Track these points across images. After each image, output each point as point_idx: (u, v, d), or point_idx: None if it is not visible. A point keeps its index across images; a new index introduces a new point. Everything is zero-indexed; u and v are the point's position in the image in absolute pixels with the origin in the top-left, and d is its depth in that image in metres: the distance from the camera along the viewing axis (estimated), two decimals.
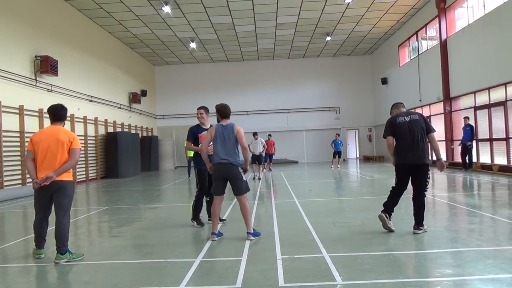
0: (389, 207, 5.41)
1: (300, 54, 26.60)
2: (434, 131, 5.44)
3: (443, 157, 17.55)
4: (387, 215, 5.36)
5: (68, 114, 15.62)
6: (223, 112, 5.51)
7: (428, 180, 5.33)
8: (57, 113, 4.80)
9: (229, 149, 5.30)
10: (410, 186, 5.48)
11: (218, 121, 5.57)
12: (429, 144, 5.43)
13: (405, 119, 5.35)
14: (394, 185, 5.50)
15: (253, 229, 5.43)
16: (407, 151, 5.27)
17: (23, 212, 8.85)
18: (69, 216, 4.77)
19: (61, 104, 4.87)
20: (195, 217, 6.38)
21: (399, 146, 5.37)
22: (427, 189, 5.38)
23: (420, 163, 5.27)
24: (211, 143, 5.69)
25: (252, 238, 5.29)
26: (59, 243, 4.54)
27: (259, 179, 14.28)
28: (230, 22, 19.13)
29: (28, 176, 12.56)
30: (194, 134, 6.37)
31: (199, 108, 6.52)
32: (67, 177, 4.67)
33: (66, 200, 4.66)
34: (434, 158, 5.62)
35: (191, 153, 14.22)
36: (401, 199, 5.55)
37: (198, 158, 6.36)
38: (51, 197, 4.63)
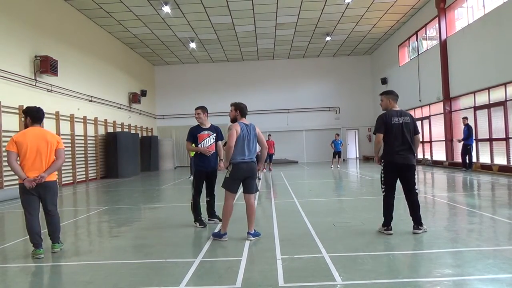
0: (389, 216, 5.35)
1: (300, 54, 26.60)
2: (419, 132, 5.57)
3: (443, 157, 17.61)
4: (390, 228, 5.32)
5: (67, 114, 15.75)
6: (244, 111, 5.46)
7: (415, 177, 5.44)
8: (37, 115, 5.00)
9: (253, 148, 5.35)
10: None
11: (235, 120, 5.47)
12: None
13: (399, 121, 5.35)
14: (383, 192, 5.44)
15: (254, 230, 5.40)
16: (399, 152, 5.29)
17: (23, 212, 8.84)
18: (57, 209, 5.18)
19: (38, 107, 5.14)
20: (196, 218, 6.39)
21: (391, 147, 5.36)
22: (417, 188, 5.45)
23: (410, 163, 5.33)
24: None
25: (252, 238, 5.28)
26: (56, 234, 4.98)
27: (259, 179, 14.27)
28: (230, 22, 19.13)
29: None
30: (193, 134, 6.40)
31: (196, 108, 6.56)
32: (54, 177, 5.03)
33: (55, 198, 5.05)
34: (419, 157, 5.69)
35: (193, 153, 14.20)
36: (399, 199, 5.56)
37: (197, 159, 6.44)
38: (39, 196, 4.87)
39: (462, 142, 14.45)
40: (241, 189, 5.48)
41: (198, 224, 6.34)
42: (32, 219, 4.79)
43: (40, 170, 4.76)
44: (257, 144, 5.51)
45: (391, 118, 5.38)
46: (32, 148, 4.75)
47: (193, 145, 6.41)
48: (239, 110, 5.45)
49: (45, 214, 4.97)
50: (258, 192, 10.56)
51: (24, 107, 12.41)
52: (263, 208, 8.10)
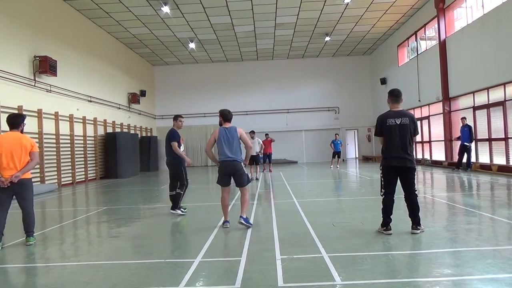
0: (388, 218, 5.33)
1: (299, 54, 26.61)
2: (417, 133, 5.51)
3: (442, 157, 17.62)
4: (390, 228, 5.31)
5: (67, 115, 15.74)
6: (226, 116, 6.17)
7: (414, 179, 5.40)
8: (13, 121, 5.53)
9: (234, 148, 6.00)
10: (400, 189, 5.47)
11: (221, 124, 6.21)
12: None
13: (395, 122, 5.29)
14: (382, 195, 5.42)
15: (247, 217, 6.05)
16: (395, 154, 5.26)
17: None
18: (33, 206, 5.59)
19: (16, 113, 5.86)
20: (179, 206, 7.52)
21: (387, 148, 5.34)
22: (417, 189, 5.41)
23: (407, 166, 5.27)
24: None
25: (243, 222, 5.90)
26: (30, 229, 5.45)
27: (257, 179, 14.25)
28: (229, 22, 19.13)
29: None
30: (178, 138, 7.60)
31: (183, 116, 8.00)
32: (28, 175, 5.50)
33: (30, 194, 5.52)
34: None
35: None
36: (399, 199, 5.56)
37: (181, 160, 7.65)
38: (13, 194, 5.39)
39: (459, 142, 14.46)
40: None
41: (180, 211, 7.50)
42: (0, 214, 5.30)
43: (14, 170, 5.29)
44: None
45: (387, 120, 5.35)
46: (7, 150, 5.29)
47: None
48: (222, 116, 6.19)
49: (21, 210, 5.47)
50: (257, 193, 10.58)
51: (24, 107, 12.47)
52: (263, 208, 8.11)
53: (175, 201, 7.55)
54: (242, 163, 6.11)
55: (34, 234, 5.54)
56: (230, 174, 6.06)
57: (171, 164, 7.67)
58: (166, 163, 7.83)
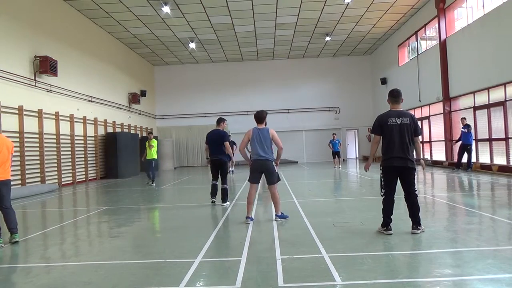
0: (388, 218, 5.32)
1: (300, 54, 26.61)
2: (419, 134, 5.44)
3: (442, 157, 17.61)
4: (390, 229, 5.30)
5: (67, 115, 15.73)
6: (257, 117, 6.62)
7: (415, 179, 5.37)
8: None
9: (266, 148, 6.37)
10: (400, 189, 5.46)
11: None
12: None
13: (396, 122, 5.26)
14: (382, 195, 5.40)
15: (281, 213, 6.47)
16: (395, 154, 5.23)
17: (23, 212, 8.84)
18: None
19: None
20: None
21: (387, 148, 5.31)
22: (417, 190, 5.40)
23: (408, 166, 5.24)
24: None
25: (279, 219, 6.35)
26: (14, 226, 5.56)
27: None
28: (229, 22, 19.13)
29: (28, 176, 12.56)
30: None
31: (225, 119, 8.71)
32: (9, 176, 5.70)
33: (10, 192, 5.69)
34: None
35: (155, 155, 14.27)
36: (399, 199, 5.56)
37: (228, 158, 8.41)
38: None
39: (460, 142, 14.45)
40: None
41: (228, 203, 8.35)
42: None
43: (3, 171, 5.47)
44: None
45: (388, 119, 5.32)
46: None
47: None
48: (254, 117, 6.64)
49: (3, 210, 5.57)
50: (257, 193, 10.57)
51: (24, 107, 12.50)
52: (263, 208, 8.11)
53: (224, 195, 8.35)
54: (273, 163, 6.44)
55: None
56: (262, 171, 6.40)
57: (222, 161, 8.31)
58: (214, 160, 8.35)
